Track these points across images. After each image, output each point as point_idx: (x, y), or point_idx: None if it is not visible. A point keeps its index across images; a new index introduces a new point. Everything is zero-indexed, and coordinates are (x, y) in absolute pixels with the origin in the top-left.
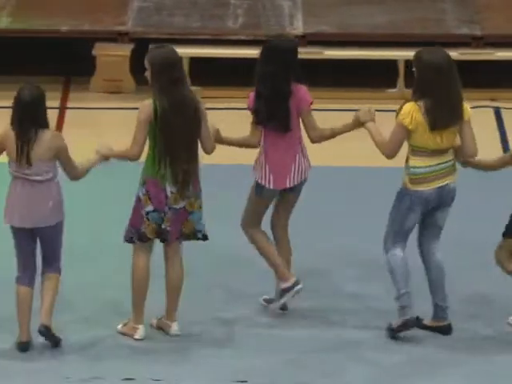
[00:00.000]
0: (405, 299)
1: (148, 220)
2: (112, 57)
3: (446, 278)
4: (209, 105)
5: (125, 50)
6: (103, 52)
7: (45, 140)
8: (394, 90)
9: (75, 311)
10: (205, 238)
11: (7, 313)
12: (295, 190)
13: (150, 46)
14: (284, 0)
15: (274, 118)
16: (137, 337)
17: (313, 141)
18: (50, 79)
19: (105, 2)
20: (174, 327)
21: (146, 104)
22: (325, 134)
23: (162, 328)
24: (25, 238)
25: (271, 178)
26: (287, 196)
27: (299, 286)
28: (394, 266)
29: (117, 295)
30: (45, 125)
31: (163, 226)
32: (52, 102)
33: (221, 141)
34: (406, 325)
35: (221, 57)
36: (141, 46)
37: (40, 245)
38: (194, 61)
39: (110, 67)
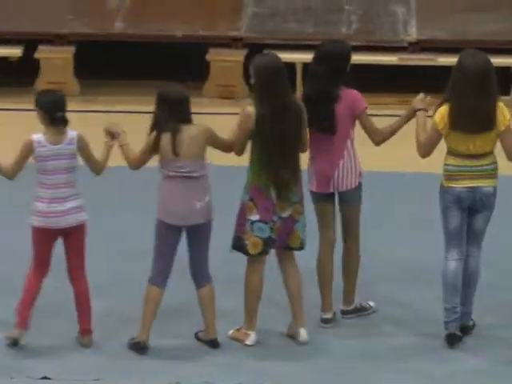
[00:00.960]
0: (448, 314)
1: (252, 231)
2: (226, 62)
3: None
4: None
5: (238, 55)
6: (217, 57)
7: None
8: (507, 98)
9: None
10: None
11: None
12: (347, 198)
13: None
14: (398, 6)
15: (319, 120)
16: (248, 342)
17: (377, 143)
18: (163, 84)
19: (219, 8)
20: (302, 333)
21: (248, 111)
22: (386, 134)
23: (291, 335)
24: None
25: (315, 181)
26: (342, 204)
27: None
28: (443, 278)
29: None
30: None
31: (273, 237)
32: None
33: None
34: (448, 339)
35: None
36: (254, 51)
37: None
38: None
39: (223, 73)
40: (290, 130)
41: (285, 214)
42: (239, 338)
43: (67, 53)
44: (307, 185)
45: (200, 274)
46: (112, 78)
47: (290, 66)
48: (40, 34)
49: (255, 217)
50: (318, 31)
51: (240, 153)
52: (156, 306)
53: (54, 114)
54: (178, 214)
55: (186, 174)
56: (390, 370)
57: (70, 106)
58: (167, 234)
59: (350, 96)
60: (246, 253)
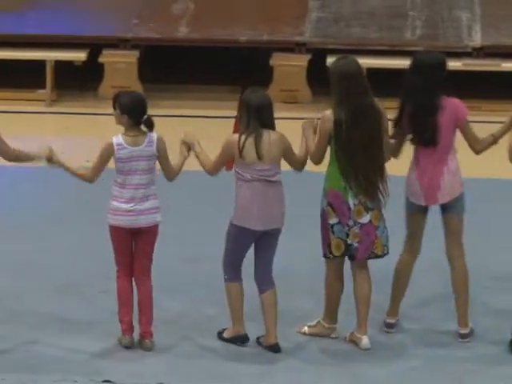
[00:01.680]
0: None
1: (333, 234)
2: (289, 67)
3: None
4: None
5: (302, 60)
6: (280, 62)
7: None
8: None
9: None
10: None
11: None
12: (450, 209)
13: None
14: (462, 12)
15: (421, 132)
16: (333, 335)
17: (477, 152)
18: (227, 88)
19: (283, 13)
20: (364, 340)
21: (327, 115)
22: (487, 143)
23: (353, 341)
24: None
25: (414, 191)
26: (444, 215)
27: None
28: None
29: None
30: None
31: (349, 242)
32: (228, 111)
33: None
34: None
35: (398, 68)
36: (318, 56)
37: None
38: (371, 72)
39: (286, 77)
40: (367, 134)
41: (362, 220)
42: (319, 333)
43: (131, 57)
44: (405, 191)
45: (264, 278)
46: (175, 83)
47: None
48: (104, 38)
49: (335, 220)
50: (382, 36)
51: (319, 160)
52: (242, 301)
53: (139, 117)
54: (258, 218)
55: (267, 178)
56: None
57: None
58: (243, 238)
59: (453, 105)
60: (330, 254)
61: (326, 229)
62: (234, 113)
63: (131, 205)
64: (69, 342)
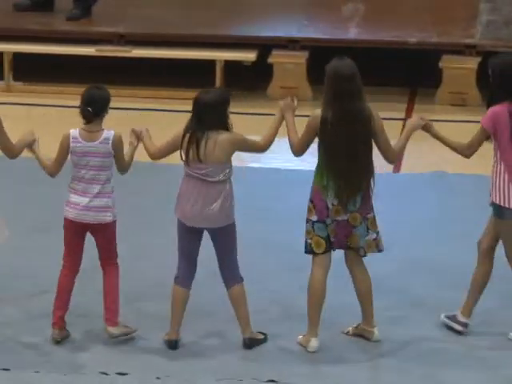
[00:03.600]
0: None
1: (313, 231)
2: (459, 69)
3: None
4: None
5: (472, 62)
6: (450, 64)
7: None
8: None
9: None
10: (380, 250)
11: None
12: None
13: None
14: None
15: None
16: (309, 349)
17: None
18: (396, 90)
19: (454, 15)
20: (375, 332)
21: (317, 112)
22: None
23: (361, 335)
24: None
25: None
26: None
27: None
28: None
29: None
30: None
31: (331, 238)
32: (397, 113)
33: (434, 135)
34: None
35: None
36: (488, 59)
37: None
38: None
39: (456, 80)
40: (355, 136)
41: (339, 218)
42: (303, 344)
43: (300, 58)
44: (497, 199)
45: (227, 275)
46: None
47: None
48: (274, 39)
49: (314, 217)
50: None
51: (299, 153)
52: (182, 306)
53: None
54: (192, 215)
55: (205, 178)
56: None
57: (302, 110)
58: (182, 231)
59: None
60: (311, 252)
61: (308, 223)
62: (401, 115)
63: (82, 199)
64: None
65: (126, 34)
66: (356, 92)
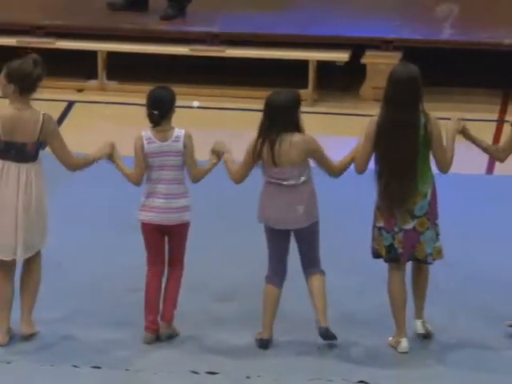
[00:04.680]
0: None
1: (381, 236)
2: None
3: None
4: None
5: None
6: None
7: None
8: None
9: None
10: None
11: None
12: None
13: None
14: None
15: None
16: (400, 350)
17: None
18: (488, 92)
19: None
20: (404, 343)
21: (372, 120)
22: None
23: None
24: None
25: None
26: None
27: None
28: None
29: None
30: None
31: (396, 246)
32: (490, 114)
33: (472, 139)
34: None
35: None
36: None
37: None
38: None
39: None
40: (409, 143)
41: (406, 227)
42: (393, 345)
43: (393, 58)
44: None
45: (309, 269)
46: (436, 85)
47: None
48: (367, 39)
49: (381, 224)
50: None
51: (362, 168)
52: (274, 305)
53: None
54: (275, 218)
55: (281, 182)
56: None
57: None
58: (272, 236)
59: None
60: (379, 257)
61: (375, 231)
62: (494, 116)
63: (161, 201)
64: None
65: (220, 33)
66: (415, 99)
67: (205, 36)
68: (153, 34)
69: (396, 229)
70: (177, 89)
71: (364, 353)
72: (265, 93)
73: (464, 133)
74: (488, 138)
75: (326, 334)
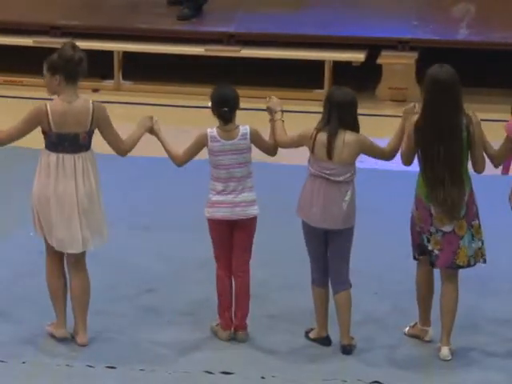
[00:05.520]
0: None
1: (421, 234)
2: None
3: None
4: None
5: None
6: None
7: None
8: None
9: None
10: (484, 261)
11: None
12: None
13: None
14: None
15: None
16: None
17: None
18: (505, 93)
19: None
20: (445, 351)
21: (414, 120)
22: None
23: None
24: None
25: None
26: None
27: None
28: None
29: None
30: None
31: (430, 248)
32: (506, 115)
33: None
34: None
35: None
36: None
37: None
38: None
39: None
40: (451, 147)
41: (445, 228)
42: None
43: (410, 59)
44: None
45: (336, 278)
46: None
47: None
48: (383, 39)
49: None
50: None
51: (408, 161)
52: (324, 304)
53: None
54: (317, 215)
55: (330, 177)
56: None
57: None
58: (308, 232)
59: None
60: (419, 252)
61: (415, 234)
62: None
63: (227, 196)
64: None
65: (236, 33)
66: (456, 104)
67: (221, 36)
68: (168, 34)
69: (432, 229)
70: (193, 89)
71: (379, 353)
72: (280, 93)
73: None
74: (503, 139)
75: (344, 351)
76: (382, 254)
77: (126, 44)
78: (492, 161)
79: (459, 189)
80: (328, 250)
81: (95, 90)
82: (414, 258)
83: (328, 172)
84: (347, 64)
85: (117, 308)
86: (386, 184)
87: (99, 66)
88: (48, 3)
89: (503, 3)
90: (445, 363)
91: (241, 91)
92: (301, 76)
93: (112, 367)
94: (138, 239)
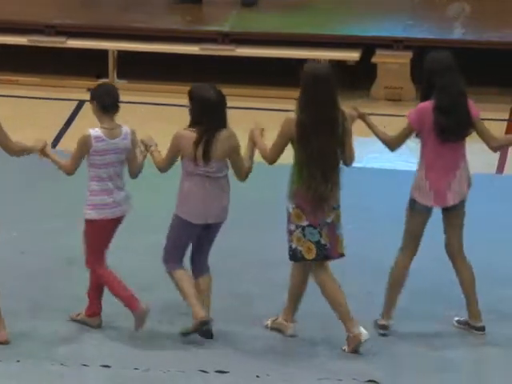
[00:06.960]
0: None
1: (304, 236)
2: None
3: None
4: None
5: None
6: None
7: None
8: None
9: None
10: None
11: None
12: (458, 208)
13: None
14: None
15: (456, 126)
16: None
17: (493, 149)
18: (499, 91)
19: None
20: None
21: (291, 118)
22: (502, 141)
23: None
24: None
25: (432, 194)
26: (449, 214)
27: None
28: None
29: None
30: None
31: (323, 242)
32: (501, 114)
33: (368, 125)
34: None
35: None
36: None
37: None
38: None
39: None
40: (327, 141)
41: (329, 220)
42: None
43: (404, 58)
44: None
45: (201, 265)
46: None
47: None
48: (378, 38)
49: (305, 222)
50: None
51: (274, 160)
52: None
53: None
54: (199, 212)
55: (209, 174)
56: None
57: (407, 111)
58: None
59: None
60: (303, 259)
61: (292, 232)
62: (505, 115)
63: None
64: None
65: (231, 32)
66: (332, 96)
67: (215, 35)
68: (163, 32)
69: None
70: (188, 88)
71: (374, 352)
72: (275, 92)
73: (362, 119)
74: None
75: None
76: (375, 250)
77: (120, 43)
78: (391, 145)
79: (334, 178)
80: (202, 242)
81: (90, 89)
82: (296, 261)
83: (206, 170)
84: (342, 63)
85: (111, 307)
86: (376, 183)
87: (94, 65)
88: (42, 2)
89: (498, 2)
90: (439, 361)
91: (236, 90)
92: (295, 75)
93: (106, 366)
94: (136, 240)
